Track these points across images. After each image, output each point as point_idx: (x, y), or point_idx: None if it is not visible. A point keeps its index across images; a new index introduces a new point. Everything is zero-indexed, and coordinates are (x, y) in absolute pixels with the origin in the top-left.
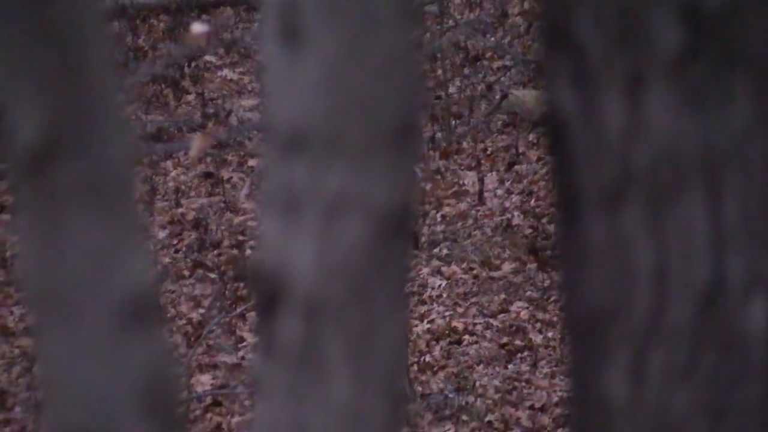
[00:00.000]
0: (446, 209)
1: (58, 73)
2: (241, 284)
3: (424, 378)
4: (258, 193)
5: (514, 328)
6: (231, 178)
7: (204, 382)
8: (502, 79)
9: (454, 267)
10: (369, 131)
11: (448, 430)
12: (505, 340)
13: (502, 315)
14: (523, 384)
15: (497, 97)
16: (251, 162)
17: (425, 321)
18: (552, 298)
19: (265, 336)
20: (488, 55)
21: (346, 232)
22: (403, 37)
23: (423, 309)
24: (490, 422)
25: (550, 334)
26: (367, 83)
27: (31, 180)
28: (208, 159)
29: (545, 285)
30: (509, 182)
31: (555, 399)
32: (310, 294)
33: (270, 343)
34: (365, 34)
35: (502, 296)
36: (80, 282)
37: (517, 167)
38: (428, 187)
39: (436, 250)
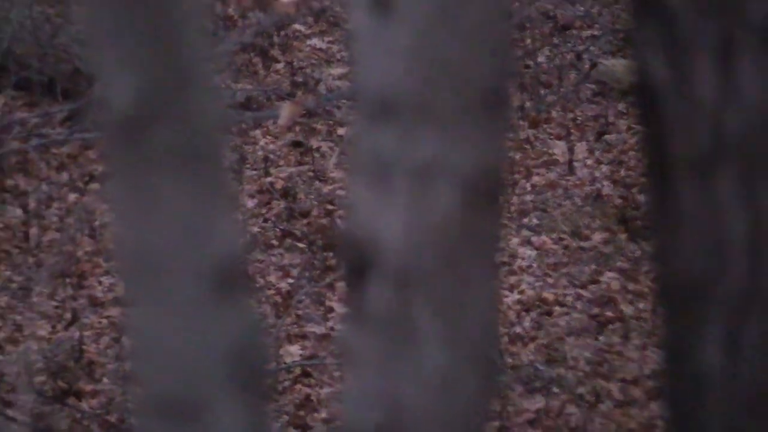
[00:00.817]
0: (536, 179)
1: (151, 40)
2: (330, 254)
3: (514, 349)
4: (347, 161)
5: (604, 299)
6: (320, 147)
7: (293, 352)
8: (591, 48)
9: (543, 237)
10: (459, 98)
11: (539, 402)
12: (595, 311)
13: (593, 286)
14: (614, 356)
15: (586, 66)
16: (340, 131)
17: (515, 291)
18: (643, 269)
19: (355, 306)
20: (577, 24)
21: (436, 200)
22: (494, 4)
23: (513, 279)
24: (581, 395)
25: (641, 306)
26: (457, 50)
27: (123, 147)
28: (297, 128)
29: (636, 255)
30: (599, 152)
31: (647, 371)
32: (400, 263)
33: (359, 312)
34: (457, 1)
35: (593, 267)
36: (171, 250)
37: (606, 137)
38: (518, 156)
39: (525, 220)
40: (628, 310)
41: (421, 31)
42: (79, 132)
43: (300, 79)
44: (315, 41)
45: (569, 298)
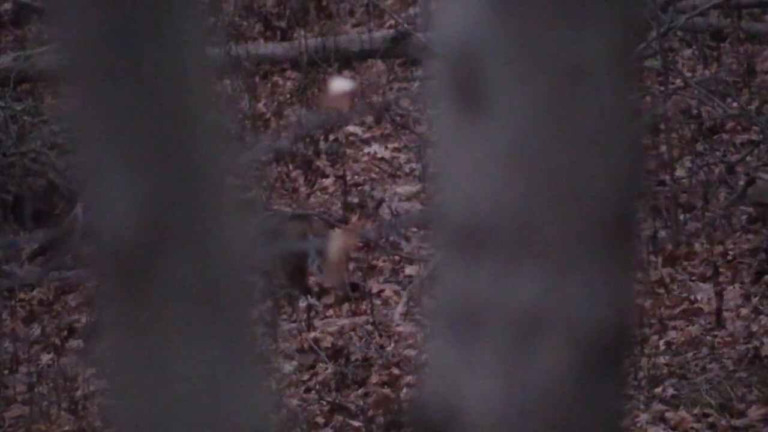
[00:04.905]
0: (672, 334)
1: (157, 146)
2: None
3: None
4: (420, 310)
5: None
6: (382, 290)
7: None
8: (748, 158)
9: (682, 412)
10: (572, 225)
11: None
12: None
13: None
14: None
15: (741, 182)
16: (409, 269)
17: None
18: None
19: None
20: (729, 125)
21: (540, 360)
22: (618, 100)
23: None
24: None
25: None
26: (571, 161)
27: (119, 288)
28: (351, 265)
29: None
30: (757, 298)
31: None
32: None
33: None
34: (568, 95)
35: None
36: (182, 425)
37: (767, 277)
38: (648, 303)
39: (658, 390)
40: None
41: (522, 136)
42: (55, 270)
43: (355, 200)
44: (375, 148)
45: None
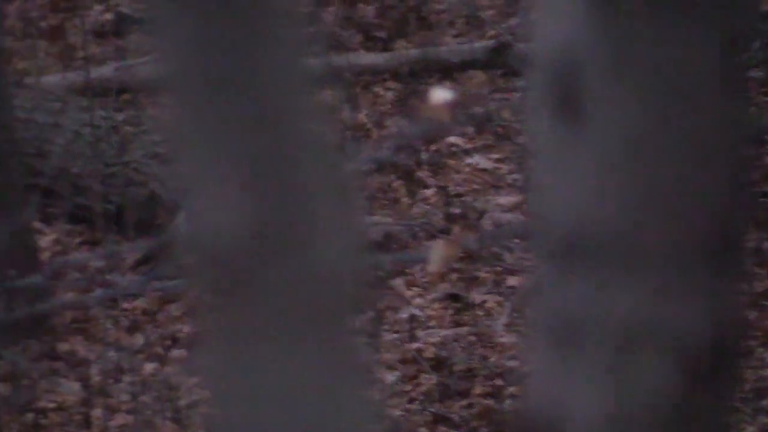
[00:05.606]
0: None
1: (259, 155)
2: None
3: None
4: (523, 321)
5: None
6: (484, 301)
7: None
8: None
9: None
10: (674, 237)
11: None
12: None
13: None
14: None
15: None
16: (511, 280)
17: None
18: None
19: None
20: None
21: (642, 373)
22: (722, 111)
23: None
24: None
25: None
26: (673, 173)
27: (225, 294)
28: (453, 276)
29: None
30: None
31: None
32: None
33: None
34: (672, 106)
35: None
36: None
37: None
38: (754, 315)
39: (764, 402)
40: None
41: (623, 147)
42: (158, 280)
43: (457, 211)
44: (477, 159)
45: None
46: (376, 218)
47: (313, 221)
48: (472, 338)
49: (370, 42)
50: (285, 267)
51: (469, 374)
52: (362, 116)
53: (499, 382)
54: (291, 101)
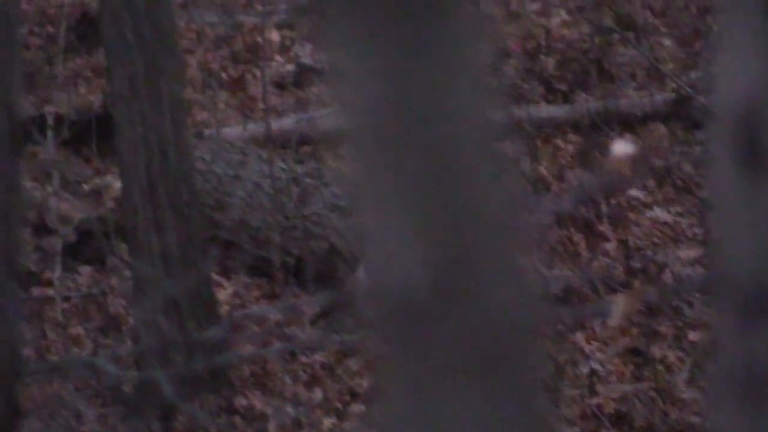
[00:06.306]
0: None
1: (440, 206)
2: None
3: None
4: (705, 376)
5: None
6: (665, 356)
7: None
8: None
9: None
10: None
11: None
12: None
13: None
14: None
15: None
16: (692, 335)
17: None
18: None
19: None
20: None
21: None
22: None
23: None
24: None
25: None
26: None
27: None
28: (634, 330)
29: None
30: None
31: None
32: None
33: None
34: None
35: None
36: None
37: None
38: None
39: None
40: None
41: None
42: (337, 333)
43: (638, 264)
44: (658, 212)
45: None
46: (556, 271)
47: (491, 271)
48: (653, 394)
49: (551, 94)
50: (464, 316)
51: (650, 431)
52: (542, 168)
53: None
54: (472, 153)
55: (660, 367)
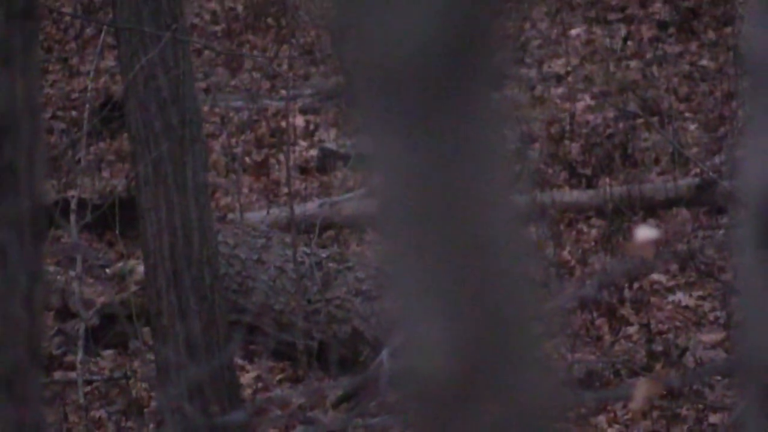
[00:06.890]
0: None
1: (466, 291)
2: None
3: None
4: None
5: None
6: None
7: None
8: None
9: None
10: None
11: None
12: None
13: None
14: None
15: None
16: (713, 418)
17: None
18: None
19: None
20: None
21: None
22: None
23: None
24: None
25: None
26: None
27: (433, 417)
28: (655, 413)
29: None
30: None
31: None
32: None
33: None
34: None
35: None
36: None
37: None
38: None
39: None
40: None
41: None
42: (360, 417)
43: (659, 348)
44: (680, 297)
45: None
46: (578, 355)
47: (517, 358)
48: None
49: (575, 179)
50: (491, 403)
51: None
52: (566, 253)
53: None
54: (498, 237)
55: None
